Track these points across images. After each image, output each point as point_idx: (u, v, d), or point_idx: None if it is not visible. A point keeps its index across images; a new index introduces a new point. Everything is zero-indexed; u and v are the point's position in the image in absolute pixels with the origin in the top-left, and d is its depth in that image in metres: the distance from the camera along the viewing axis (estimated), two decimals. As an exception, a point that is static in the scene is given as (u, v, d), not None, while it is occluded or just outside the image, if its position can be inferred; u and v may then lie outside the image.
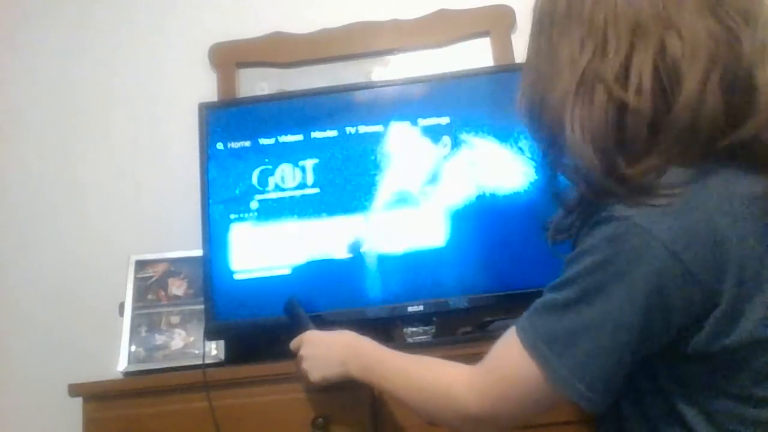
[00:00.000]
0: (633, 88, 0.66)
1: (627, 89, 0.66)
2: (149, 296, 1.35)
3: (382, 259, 1.23)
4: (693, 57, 0.65)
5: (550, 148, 0.75)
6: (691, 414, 0.68)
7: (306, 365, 0.98)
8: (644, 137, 0.66)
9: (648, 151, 0.67)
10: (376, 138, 1.29)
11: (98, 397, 1.14)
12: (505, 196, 1.24)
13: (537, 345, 0.68)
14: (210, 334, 1.24)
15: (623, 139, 0.67)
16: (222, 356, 1.27)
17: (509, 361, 0.72)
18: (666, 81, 0.66)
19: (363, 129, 1.30)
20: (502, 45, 1.62)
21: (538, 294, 0.73)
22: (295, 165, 1.29)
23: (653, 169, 0.66)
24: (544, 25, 0.75)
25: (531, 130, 0.77)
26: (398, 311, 1.21)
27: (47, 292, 1.61)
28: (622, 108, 0.67)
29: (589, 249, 0.67)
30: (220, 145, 1.32)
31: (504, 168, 1.25)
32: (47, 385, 1.47)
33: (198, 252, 1.31)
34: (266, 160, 1.30)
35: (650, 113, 0.65)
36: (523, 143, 1.25)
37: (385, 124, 1.29)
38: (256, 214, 1.28)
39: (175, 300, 1.34)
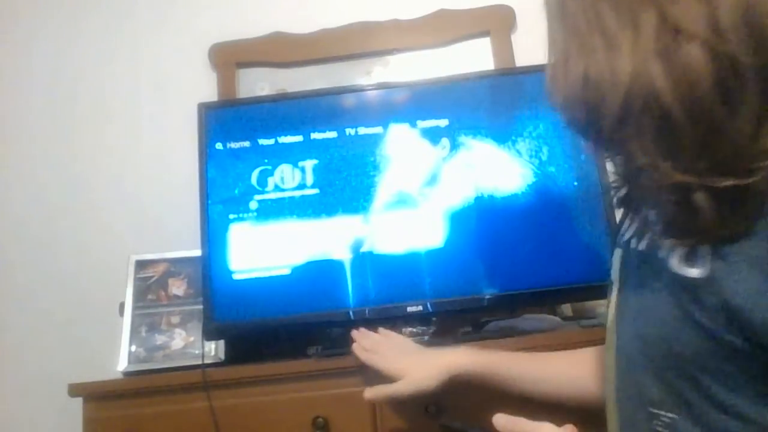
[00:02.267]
0: (736, 38, 0.50)
1: (728, 41, 0.50)
2: (149, 296, 1.35)
3: (381, 260, 1.23)
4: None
5: (616, 135, 0.57)
6: None
7: None
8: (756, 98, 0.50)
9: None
10: (376, 139, 1.29)
11: (98, 397, 1.14)
12: (503, 198, 1.24)
13: None
14: (209, 335, 1.24)
15: (732, 106, 0.51)
16: (222, 356, 1.27)
17: None
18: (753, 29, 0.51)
19: (362, 130, 1.30)
20: (502, 45, 1.62)
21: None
22: (295, 166, 1.30)
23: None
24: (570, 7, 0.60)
25: (584, 124, 0.61)
26: (397, 311, 1.21)
27: (47, 292, 1.61)
28: (727, 64, 0.50)
29: None
30: (219, 146, 1.32)
31: (502, 170, 1.26)
32: (47, 385, 1.48)
33: (198, 252, 1.31)
34: (266, 160, 1.30)
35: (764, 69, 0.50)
36: (521, 145, 1.26)
37: (385, 125, 1.30)
38: (255, 214, 1.28)
39: (175, 300, 1.35)
